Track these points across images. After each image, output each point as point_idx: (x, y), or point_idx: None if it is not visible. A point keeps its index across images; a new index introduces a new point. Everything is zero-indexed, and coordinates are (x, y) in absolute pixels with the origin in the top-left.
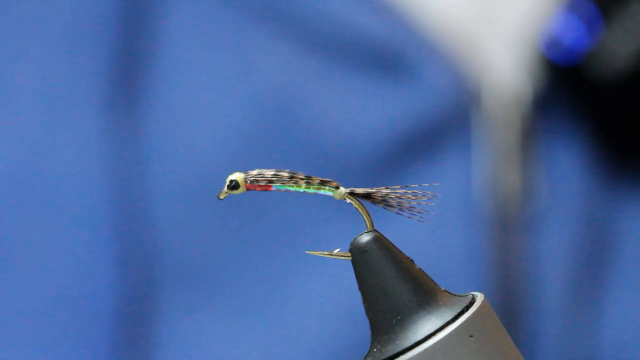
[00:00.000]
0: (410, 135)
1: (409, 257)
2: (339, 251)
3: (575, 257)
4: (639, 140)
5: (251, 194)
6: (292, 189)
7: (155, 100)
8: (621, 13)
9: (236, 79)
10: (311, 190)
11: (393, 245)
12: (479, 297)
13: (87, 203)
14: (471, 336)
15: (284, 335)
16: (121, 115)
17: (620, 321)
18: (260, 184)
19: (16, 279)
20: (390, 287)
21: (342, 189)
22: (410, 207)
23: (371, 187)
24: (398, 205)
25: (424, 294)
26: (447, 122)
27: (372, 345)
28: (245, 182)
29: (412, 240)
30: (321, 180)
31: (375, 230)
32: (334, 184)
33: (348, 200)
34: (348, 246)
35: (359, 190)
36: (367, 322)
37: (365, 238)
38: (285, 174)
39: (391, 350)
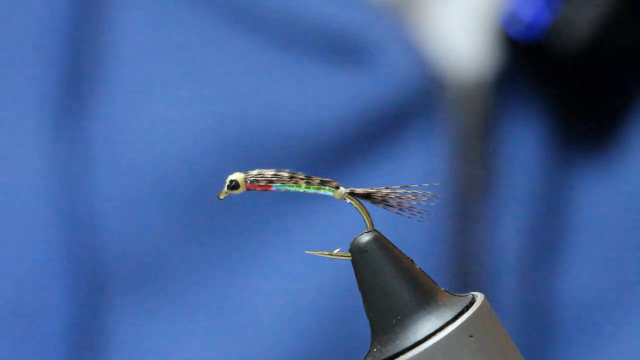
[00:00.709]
0: (371, 121)
1: (409, 257)
2: (339, 251)
3: (532, 238)
4: (599, 114)
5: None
6: (292, 189)
7: (106, 103)
8: None
9: (192, 74)
10: (311, 190)
11: (393, 245)
12: (479, 297)
13: (34, 211)
14: (471, 336)
15: (236, 336)
16: (69, 119)
17: (579, 291)
18: (260, 184)
19: None
20: (390, 287)
21: (342, 189)
22: (410, 207)
23: (370, 187)
24: (398, 205)
25: (424, 294)
26: (409, 107)
27: (372, 345)
28: (245, 182)
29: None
30: (321, 180)
31: (375, 230)
32: (334, 184)
33: (348, 200)
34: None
35: (359, 190)
36: (321, 323)
37: (365, 238)
38: (285, 174)
39: (391, 350)
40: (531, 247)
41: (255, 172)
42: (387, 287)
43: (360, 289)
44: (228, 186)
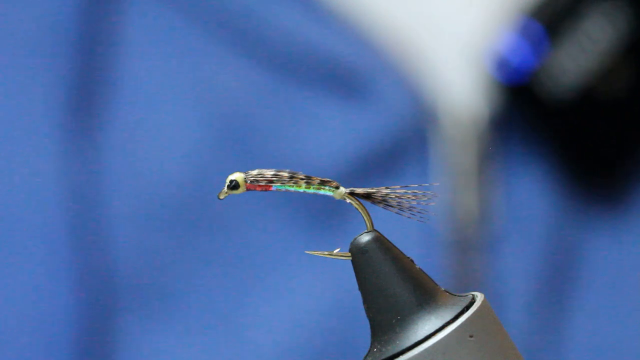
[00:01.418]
0: (366, 156)
1: (409, 257)
2: (339, 251)
3: (536, 279)
4: (595, 156)
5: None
6: (292, 189)
7: (113, 119)
8: (572, 30)
9: (195, 95)
10: (311, 190)
11: (393, 245)
12: (479, 297)
13: (44, 225)
14: (471, 336)
15: (243, 354)
16: (78, 134)
17: (583, 344)
18: (260, 184)
19: None
20: (390, 287)
21: (342, 189)
22: (410, 207)
23: (371, 187)
24: (398, 205)
25: (424, 294)
26: (404, 142)
27: (372, 346)
28: (245, 182)
29: None
30: (321, 180)
31: (375, 230)
32: (334, 183)
33: (348, 200)
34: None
35: (359, 190)
36: (327, 341)
37: (365, 238)
38: (285, 174)
39: (391, 350)
40: (535, 288)
41: (255, 172)
42: (387, 287)
43: (360, 289)
44: (228, 186)
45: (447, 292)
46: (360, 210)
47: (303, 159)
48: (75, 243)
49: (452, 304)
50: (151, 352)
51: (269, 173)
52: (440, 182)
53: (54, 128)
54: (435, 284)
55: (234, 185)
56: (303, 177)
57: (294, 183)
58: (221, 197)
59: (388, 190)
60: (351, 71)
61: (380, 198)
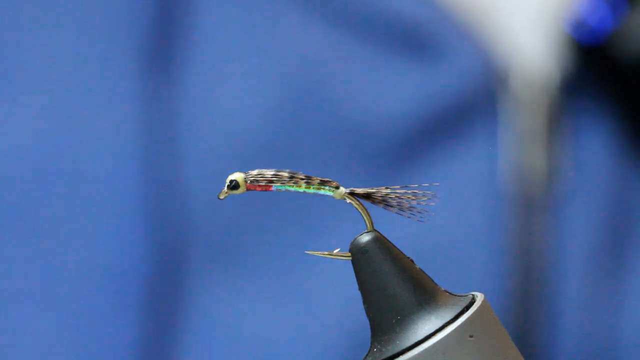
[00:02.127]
0: (437, 116)
1: (409, 257)
2: (339, 251)
3: (599, 239)
4: None
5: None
6: (292, 189)
7: (190, 72)
8: None
9: (268, 55)
10: (311, 190)
11: (393, 245)
12: (479, 297)
13: (120, 173)
14: (471, 336)
15: (309, 310)
16: (156, 86)
17: None
18: (260, 184)
19: (48, 248)
20: (390, 287)
21: (342, 189)
22: (410, 207)
23: (371, 187)
24: (398, 205)
25: (424, 294)
26: (474, 104)
27: (372, 346)
28: (245, 182)
29: (436, 223)
30: (321, 180)
31: (375, 230)
32: (334, 183)
33: (348, 200)
34: (348, 246)
35: (359, 190)
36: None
37: (365, 238)
38: (285, 174)
39: (391, 350)
40: (597, 249)
41: (255, 172)
42: (387, 287)
43: (360, 289)
44: (228, 186)
45: (447, 292)
46: (360, 210)
47: (374, 118)
48: (150, 191)
49: (452, 304)
50: (220, 302)
51: (269, 173)
52: (508, 142)
53: (133, 77)
54: (435, 284)
55: (234, 185)
56: (303, 177)
57: (294, 183)
58: (221, 197)
59: (388, 190)
60: (424, 31)
61: (380, 198)
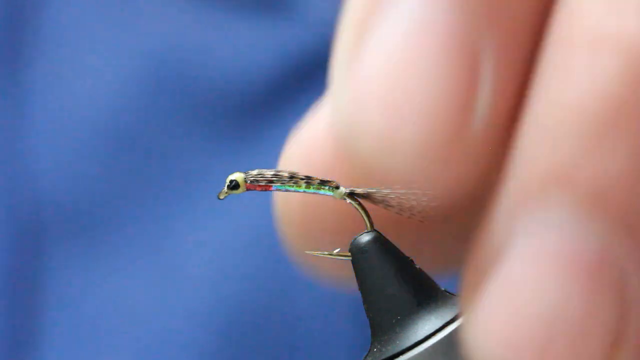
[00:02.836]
0: (295, 68)
1: (409, 257)
2: (339, 251)
3: None
4: None
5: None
6: (292, 188)
7: (40, 56)
8: None
9: (118, 25)
10: (311, 190)
11: (393, 245)
12: None
13: None
14: None
15: (174, 281)
16: (3, 70)
17: None
18: (260, 184)
19: None
20: (390, 287)
21: (342, 189)
22: (411, 207)
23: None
24: (398, 205)
25: (424, 294)
26: (332, 53)
27: (372, 346)
28: (245, 182)
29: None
30: (321, 180)
31: (376, 230)
32: (334, 183)
33: (348, 200)
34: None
35: (359, 191)
36: (258, 275)
37: (365, 238)
38: (285, 174)
39: (391, 350)
40: None
41: (255, 172)
42: (387, 287)
43: (360, 289)
44: (228, 186)
45: (447, 292)
46: (360, 210)
47: (238, 73)
48: (1, 175)
49: (452, 304)
50: (81, 282)
51: (269, 173)
52: None
53: None
54: (436, 284)
55: (234, 185)
56: (303, 177)
57: (294, 183)
58: (221, 197)
59: (388, 190)
60: None
61: (380, 198)
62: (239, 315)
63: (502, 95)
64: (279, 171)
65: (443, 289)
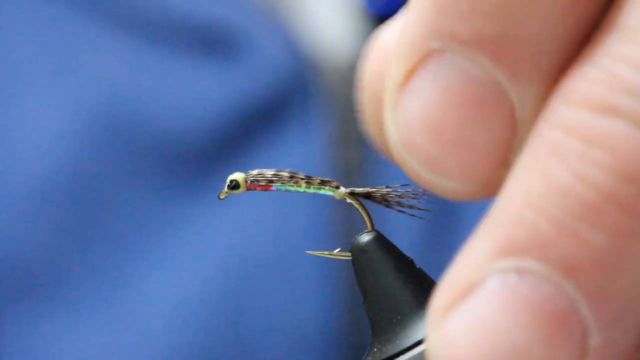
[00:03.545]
0: (248, 113)
1: (409, 257)
2: (339, 251)
3: (423, 227)
4: None
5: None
6: (292, 188)
7: None
8: None
9: (63, 72)
10: (311, 190)
11: (393, 245)
12: None
13: None
14: None
15: (129, 336)
16: None
17: None
18: (261, 183)
19: None
20: (390, 287)
21: (342, 189)
22: (411, 205)
23: (371, 186)
24: (398, 204)
25: (424, 294)
26: (286, 96)
27: (372, 345)
28: (246, 182)
29: (259, 223)
30: (321, 180)
31: (376, 230)
32: (334, 183)
33: (348, 200)
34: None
35: (359, 190)
36: (215, 323)
37: (366, 238)
38: (286, 174)
39: (391, 350)
40: (422, 236)
41: (255, 171)
42: (387, 286)
43: (360, 289)
44: (228, 186)
45: None
46: (360, 210)
47: (186, 123)
48: None
49: None
50: (36, 340)
51: (269, 173)
52: (322, 133)
53: None
54: (436, 283)
55: (234, 185)
56: (303, 177)
57: (294, 183)
58: (221, 197)
59: (388, 190)
60: (224, 29)
61: (380, 197)
62: None
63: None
64: (279, 171)
65: None
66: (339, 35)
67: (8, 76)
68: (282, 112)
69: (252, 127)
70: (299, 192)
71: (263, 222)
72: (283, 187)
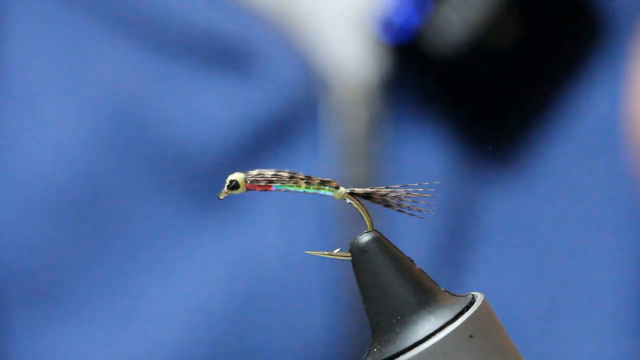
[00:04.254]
0: (258, 129)
1: (409, 257)
2: (338, 251)
3: (434, 243)
4: (486, 112)
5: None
6: (292, 189)
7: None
8: None
9: (78, 84)
10: (311, 190)
11: (393, 245)
12: (479, 297)
13: None
14: (471, 336)
15: (138, 344)
16: None
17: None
18: (260, 184)
19: None
20: (390, 287)
21: (342, 189)
22: (410, 205)
23: (371, 187)
24: (398, 204)
25: (424, 294)
26: (295, 113)
27: (372, 346)
28: (245, 182)
29: (267, 237)
30: (321, 180)
31: (376, 230)
32: (334, 183)
33: (348, 200)
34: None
35: (359, 190)
36: (226, 330)
37: (365, 238)
38: (285, 174)
39: (391, 350)
40: (434, 253)
41: (255, 172)
42: (387, 287)
43: (360, 289)
44: (228, 186)
45: (447, 292)
46: (360, 210)
47: (196, 138)
48: None
49: (452, 304)
50: (46, 347)
51: (269, 173)
52: (331, 151)
53: None
54: (435, 284)
55: (234, 186)
56: (303, 177)
57: (294, 183)
58: (221, 197)
59: (388, 190)
60: (237, 45)
61: (380, 197)
62: None
63: None
64: (279, 171)
65: (443, 289)
66: (350, 56)
67: (23, 84)
68: (293, 129)
69: (263, 142)
70: (298, 192)
71: (272, 236)
72: (283, 188)
